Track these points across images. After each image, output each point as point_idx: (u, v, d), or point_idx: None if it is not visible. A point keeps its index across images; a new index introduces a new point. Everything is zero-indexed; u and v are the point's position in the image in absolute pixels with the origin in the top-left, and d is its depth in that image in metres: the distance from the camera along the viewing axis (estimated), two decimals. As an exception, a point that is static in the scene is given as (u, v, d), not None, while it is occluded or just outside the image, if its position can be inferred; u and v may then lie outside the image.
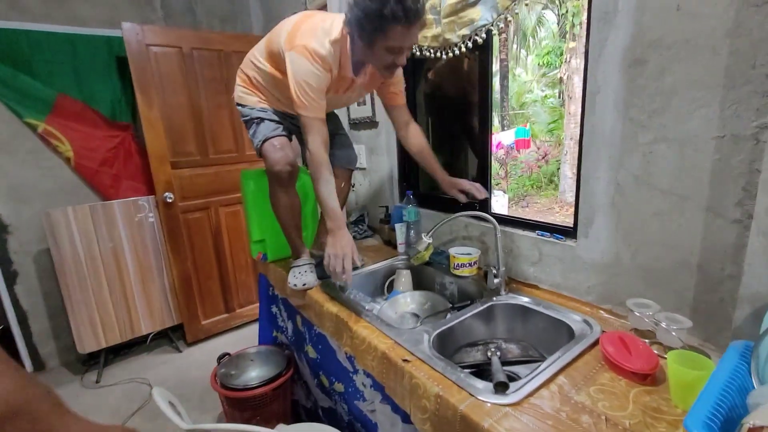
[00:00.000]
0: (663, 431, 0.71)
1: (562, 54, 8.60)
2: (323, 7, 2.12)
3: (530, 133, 7.34)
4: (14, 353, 2.42)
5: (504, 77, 10.22)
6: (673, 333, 0.91)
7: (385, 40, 1.09)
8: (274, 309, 1.88)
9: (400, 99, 1.46)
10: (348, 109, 2.08)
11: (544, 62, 10.11)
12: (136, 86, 2.24)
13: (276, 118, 1.43)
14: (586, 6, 1.07)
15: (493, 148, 6.95)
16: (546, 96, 11.72)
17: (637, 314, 0.99)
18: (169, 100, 2.35)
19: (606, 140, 1.04)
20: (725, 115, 0.84)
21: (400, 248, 1.74)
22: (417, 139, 1.48)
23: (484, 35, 1.24)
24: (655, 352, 0.89)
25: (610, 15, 0.98)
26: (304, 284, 1.42)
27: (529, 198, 7.58)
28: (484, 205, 1.52)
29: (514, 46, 15.91)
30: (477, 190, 1.38)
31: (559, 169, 7.68)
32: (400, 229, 1.73)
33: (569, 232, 1.23)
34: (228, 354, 1.86)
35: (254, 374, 1.76)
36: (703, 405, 0.62)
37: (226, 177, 2.61)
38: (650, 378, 0.84)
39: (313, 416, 1.74)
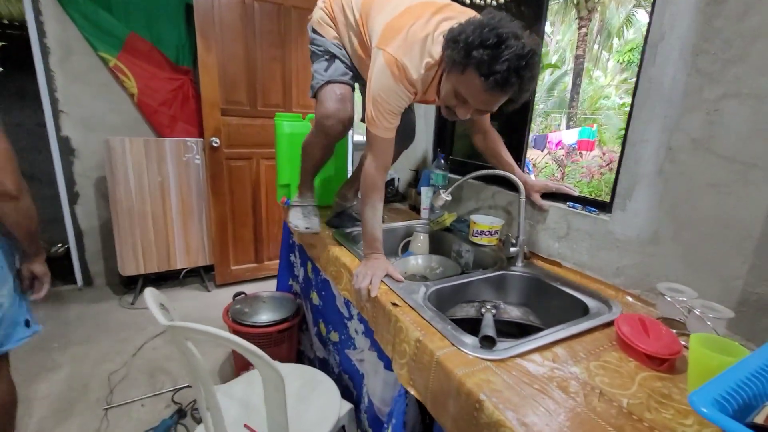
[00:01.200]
0: (668, 417, 0.60)
1: (648, 54, 7.78)
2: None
3: (596, 135, 6.78)
4: (69, 268, 2.68)
5: (577, 75, 9.52)
6: (709, 323, 0.77)
7: (459, 79, 0.90)
8: (292, 257, 1.90)
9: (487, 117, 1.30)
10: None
11: (625, 60, 9.25)
12: (198, 31, 2.33)
13: (349, 63, 1.27)
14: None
15: (552, 146, 6.54)
16: (624, 104, 10.79)
17: (668, 299, 0.85)
18: (227, 48, 2.43)
19: (664, 96, 0.90)
20: (822, 63, 0.67)
21: (424, 213, 1.67)
22: (497, 143, 1.31)
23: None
24: (682, 342, 0.76)
25: (690, -56, 0.83)
26: (307, 227, 1.38)
27: (585, 206, 7.04)
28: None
29: (596, 46, 14.77)
30: (569, 189, 1.22)
31: (624, 179, 7.04)
32: (425, 193, 1.66)
33: (604, 206, 1.09)
34: (244, 293, 1.91)
35: (264, 316, 1.79)
36: (719, 383, 0.50)
37: (271, 130, 2.65)
38: (667, 365, 0.72)
39: (312, 366, 1.75)
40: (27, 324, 1.20)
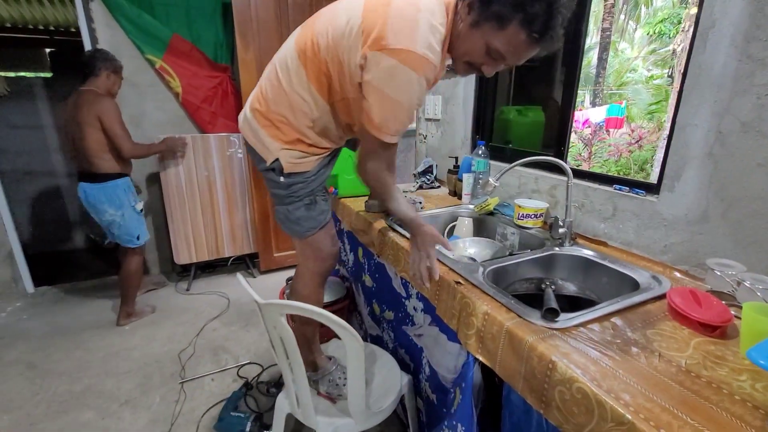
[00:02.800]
0: (723, 374, 0.68)
1: (679, 23, 7.46)
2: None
3: (625, 112, 6.59)
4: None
5: (604, 49, 9.18)
6: (759, 294, 0.83)
7: (497, 35, 0.81)
8: (339, 244, 2.02)
9: None
10: (429, 58, 2.07)
11: (656, 32, 8.85)
12: (237, 29, 2.43)
13: (324, 185, 1.15)
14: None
15: (579, 125, 6.41)
16: (652, 76, 10.35)
17: (718, 273, 0.92)
18: (263, 43, 2.53)
19: (714, 81, 0.94)
20: None
21: (465, 199, 1.75)
22: None
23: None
24: (732, 312, 0.83)
25: (743, -67, 0.86)
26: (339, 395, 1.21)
27: (613, 185, 6.92)
28: (560, 156, 1.46)
29: (622, 16, 14.10)
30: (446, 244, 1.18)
31: (653, 156, 6.87)
32: (467, 180, 1.73)
33: (651, 188, 1.14)
34: (295, 278, 2.05)
35: (316, 298, 1.93)
36: (776, 341, 0.58)
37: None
38: (719, 331, 0.79)
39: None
40: (138, 238, 2.27)
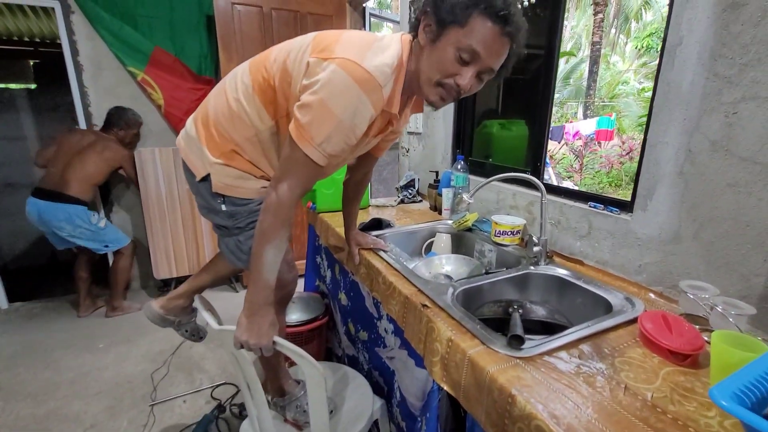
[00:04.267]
0: (691, 410, 0.64)
1: (667, 38, 7.55)
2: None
3: (615, 124, 6.65)
4: (107, 272, 2.83)
5: (594, 62, 9.31)
6: (731, 319, 0.80)
7: (462, 33, 0.76)
8: (318, 259, 1.98)
9: (383, 151, 1.18)
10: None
11: (644, 46, 9.00)
12: (220, 42, 2.42)
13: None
14: (680, -56, 0.93)
15: (570, 137, 6.45)
16: (643, 89, 10.50)
17: (690, 296, 0.88)
18: (247, 55, 2.48)
19: (682, 99, 0.92)
20: (839, 67, 0.69)
21: (445, 214, 1.72)
22: (359, 190, 1.29)
23: (556, -17, 1.14)
24: (705, 338, 0.80)
25: (706, -50, 0.85)
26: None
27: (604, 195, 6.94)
28: (536, 173, 1.44)
29: (613, 30, 14.38)
30: (380, 245, 1.32)
31: (645, 167, 6.89)
32: (446, 194, 1.71)
33: (625, 206, 1.12)
34: (273, 294, 2.00)
35: (294, 316, 1.87)
36: (739, 378, 0.54)
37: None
38: (690, 360, 0.75)
39: (341, 363, 1.83)
40: (105, 246, 2.44)
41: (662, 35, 0.96)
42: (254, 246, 0.86)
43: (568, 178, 7.14)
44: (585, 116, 9.55)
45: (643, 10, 13.32)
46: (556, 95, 11.62)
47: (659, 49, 0.99)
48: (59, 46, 2.47)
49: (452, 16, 0.75)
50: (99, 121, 2.54)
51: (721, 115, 0.86)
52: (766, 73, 0.78)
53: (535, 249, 1.20)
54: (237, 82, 0.95)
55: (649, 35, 9.24)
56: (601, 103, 11.59)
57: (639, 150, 1.07)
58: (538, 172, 1.43)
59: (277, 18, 2.55)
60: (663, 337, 0.78)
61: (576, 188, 1.29)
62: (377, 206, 1.96)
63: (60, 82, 2.67)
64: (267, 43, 2.55)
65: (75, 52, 2.43)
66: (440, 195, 1.75)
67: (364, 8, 2.78)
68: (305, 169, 0.81)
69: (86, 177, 2.33)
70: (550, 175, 4.43)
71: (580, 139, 6.43)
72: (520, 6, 0.77)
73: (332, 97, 0.76)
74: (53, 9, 2.36)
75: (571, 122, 6.76)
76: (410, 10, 1.97)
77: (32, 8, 2.52)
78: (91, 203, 2.40)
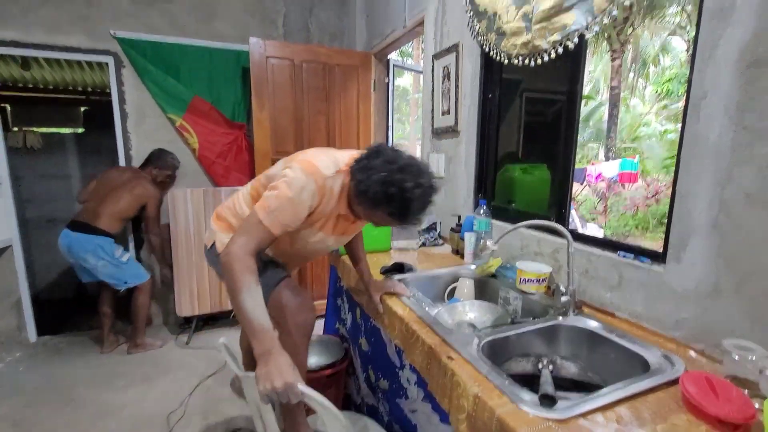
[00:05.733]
0: (748, 489, 0.58)
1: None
2: (419, 25, 2.23)
3: (639, 167, 6.56)
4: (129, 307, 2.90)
5: (614, 106, 9.36)
6: (784, 385, 0.74)
7: (368, 212, 1.05)
8: (339, 301, 1.97)
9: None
10: (432, 117, 2.13)
11: (664, 90, 9.03)
12: (253, 91, 2.59)
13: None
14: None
15: (592, 179, 6.38)
16: (666, 131, 10.41)
17: (736, 357, 0.83)
18: (277, 104, 2.67)
19: (711, 151, 0.91)
20: None
21: (468, 258, 1.71)
22: (359, 246, 1.47)
23: (576, 39, 1.19)
24: (756, 406, 0.73)
25: (726, 10, 0.87)
26: None
27: (632, 239, 6.72)
28: (561, 220, 1.42)
29: (631, 74, 14.55)
30: (402, 290, 1.34)
31: (673, 210, 6.67)
32: (469, 239, 1.70)
33: (657, 256, 1.08)
34: (292, 336, 1.98)
35: (312, 360, 1.84)
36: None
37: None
38: (741, 430, 0.69)
39: (359, 412, 1.76)
40: (125, 282, 2.50)
41: (682, 80, 0.98)
42: (231, 302, 0.97)
43: (592, 220, 6.98)
44: (607, 158, 9.48)
45: (661, 56, 13.49)
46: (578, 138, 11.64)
47: (681, 94, 1.00)
48: (108, 94, 2.70)
49: (364, 202, 1.03)
50: (137, 162, 2.71)
51: (754, 167, 0.84)
52: (799, 128, 0.77)
53: (563, 299, 1.16)
54: (240, 194, 1.32)
55: (669, 80, 9.29)
56: (623, 146, 11.52)
57: (665, 192, 1.05)
58: (563, 219, 1.42)
59: (307, 68, 2.72)
60: (709, 403, 0.73)
61: (603, 236, 1.26)
62: (399, 249, 1.96)
63: (105, 126, 2.88)
64: (296, 91, 2.72)
65: (122, 101, 2.64)
66: (462, 239, 1.74)
67: (388, 59, 2.94)
68: (257, 229, 1.01)
69: (117, 211, 2.42)
70: (574, 218, 4.35)
71: (603, 181, 6.35)
72: (428, 204, 1.03)
73: (290, 181, 1.02)
74: (107, 63, 2.61)
75: (593, 164, 6.71)
76: (432, 63, 2.07)
77: (88, 62, 2.78)
78: (118, 236, 2.49)
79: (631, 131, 12.27)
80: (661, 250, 1.07)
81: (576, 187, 7.02)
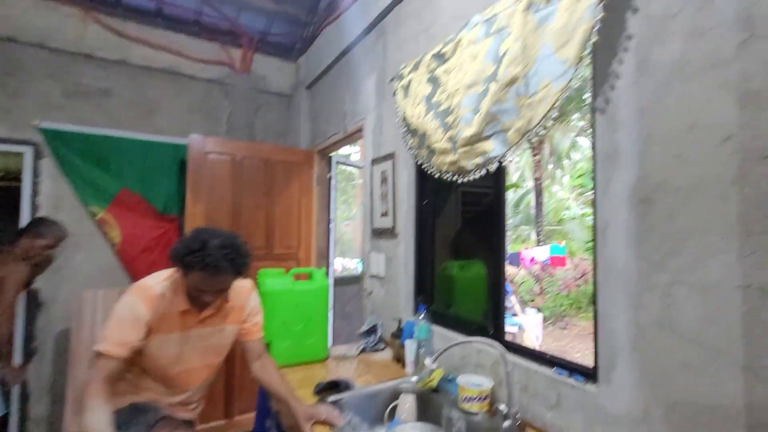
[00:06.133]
0: None
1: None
2: (359, 131, 2.38)
3: (566, 250, 7.16)
4: (6, 437, 2.32)
5: (539, 194, 10.46)
6: None
7: (190, 277, 1.18)
8: (269, 423, 1.72)
9: (256, 333, 1.45)
10: (372, 217, 2.17)
11: (578, 185, 10.33)
12: (188, 185, 2.50)
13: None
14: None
15: (527, 263, 6.78)
16: (584, 214, 11.68)
17: (677, 497, 0.80)
18: (214, 199, 2.59)
19: (621, 276, 0.98)
20: (746, 264, 0.78)
21: (409, 367, 1.62)
22: (270, 372, 1.41)
23: (496, 164, 1.31)
24: None
25: (613, 156, 1.01)
26: None
27: (568, 319, 7.02)
28: (498, 330, 1.42)
29: (550, 165, 16.67)
30: (334, 418, 1.25)
31: (600, 290, 7.20)
32: (409, 347, 1.63)
33: (590, 375, 1.09)
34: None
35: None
36: None
37: (252, 272, 2.69)
38: None
39: None
40: None
41: (590, 175, 1.08)
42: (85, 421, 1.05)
43: (531, 302, 7.27)
44: (538, 240, 10.27)
45: (572, 151, 15.73)
46: (510, 221, 12.63)
47: (591, 188, 1.08)
48: (16, 179, 2.45)
49: (182, 270, 1.19)
50: (43, 259, 2.39)
51: (658, 296, 0.91)
52: (689, 262, 0.86)
53: (505, 424, 1.10)
54: None
55: (581, 176, 10.73)
56: (550, 228, 12.65)
57: (591, 273, 1.09)
58: (499, 330, 1.42)
59: (248, 165, 2.73)
60: None
61: (541, 350, 1.27)
62: (336, 358, 1.82)
63: (14, 214, 2.57)
64: (236, 186, 2.68)
65: (34, 193, 2.41)
66: (403, 346, 1.67)
67: (330, 156, 3.06)
68: (100, 361, 1.12)
69: None
70: (514, 304, 4.48)
71: (537, 264, 6.80)
72: (231, 252, 1.18)
73: (118, 304, 1.19)
74: (23, 153, 2.42)
75: (526, 248, 7.22)
76: (371, 167, 2.17)
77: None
78: None
79: (556, 214, 13.62)
80: (591, 369, 1.08)
81: (514, 270, 7.40)
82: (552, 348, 5.83)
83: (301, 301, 1.73)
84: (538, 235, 10.79)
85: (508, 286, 5.50)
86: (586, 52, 1.00)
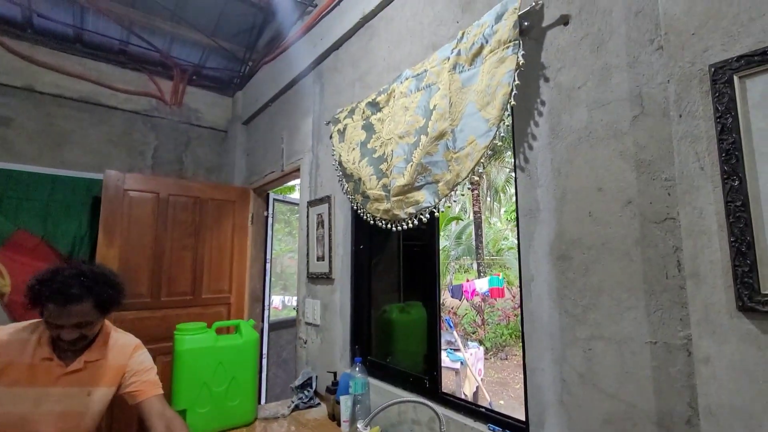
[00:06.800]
0: None
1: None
2: (296, 170, 2.32)
3: (504, 281, 7.49)
4: None
5: (478, 227, 10.96)
6: None
7: (45, 313, 1.11)
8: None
9: (152, 389, 1.29)
10: (308, 261, 2.08)
11: (513, 218, 11.01)
12: (101, 226, 2.25)
13: None
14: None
15: (469, 295, 6.96)
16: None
17: None
18: (132, 240, 2.34)
19: (546, 330, 1.00)
20: (653, 320, 0.82)
21: (344, 426, 1.51)
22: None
23: (428, 215, 1.31)
24: None
25: (534, 212, 1.06)
26: None
27: (508, 349, 7.23)
28: (434, 381, 1.38)
29: (488, 199, 17.71)
30: None
31: (536, 318, 7.56)
32: (344, 403, 1.53)
33: (523, 430, 1.08)
34: None
35: None
36: None
37: (173, 321, 2.40)
38: None
39: None
40: None
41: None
42: None
43: (473, 333, 7.41)
44: (479, 271, 10.65)
45: (507, 185, 16.90)
46: (452, 252, 13.05)
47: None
48: None
49: (39, 307, 1.10)
50: None
51: (580, 350, 0.93)
52: (605, 316, 0.90)
53: (441, 492, 1.04)
54: None
55: (513, 210, 11.53)
56: (491, 258, 13.24)
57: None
58: (436, 382, 1.38)
59: (175, 203, 2.53)
60: None
61: (474, 405, 1.24)
62: (265, 419, 1.66)
63: None
64: (159, 226, 2.46)
65: None
66: (338, 403, 1.56)
67: (267, 193, 2.95)
68: None
69: None
70: (455, 338, 4.51)
71: (478, 295, 7.00)
72: (83, 279, 1.12)
73: None
74: None
75: (468, 281, 7.43)
76: (307, 209, 2.11)
77: None
78: None
79: (495, 245, 14.33)
80: (523, 424, 1.07)
81: (456, 303, 7.54)
82: (494, 380, 5.92)
83: (225, 358, 1.56)
84: (478, 266, 11.21)
85: (450, 321, 5.56)
86: (507, 113, 1.06)
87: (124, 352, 1.29)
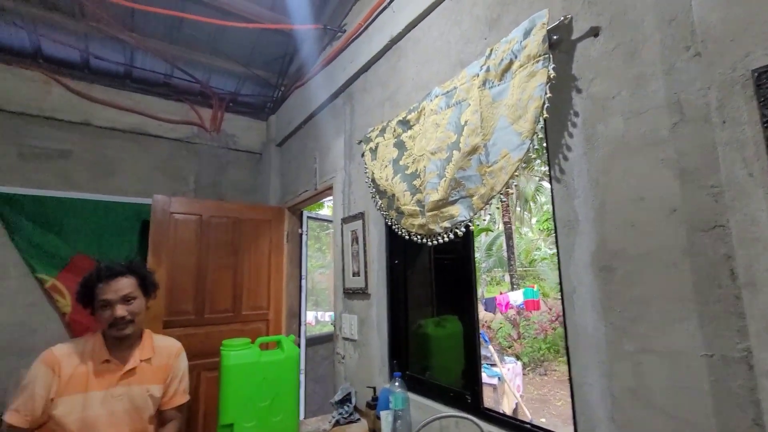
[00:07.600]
0: None
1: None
2: (329, 189, 2.39)
3: (539, 293, 7.24)
4: None
5: (509, 237, 10.72)
6: None
7: (96, 300, 1.24)
8: None
9: (179, 398, 1.40)
10: (344, 277, 2.12)
11: (545, 228, 10.72)
12: (151, 247, 2.40)
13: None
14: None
15: (503, 308, 6.77)
16: (554, 254, 12.02)
17: None
18: (177, 260, 2.47)
19: (591, 342, 0.98)
20: (707, 332, 0.79)
21: (386, 443, 1.51)
22: None
23: (463, 229, 1.32)
24: None
25: (573, 223, 1.05)
26: None
27: (547, 364, 6.94)
28: (476, 396, 1.37)
29: (518, 208, 17.32)
30: None
31: (575, 331, 7.24)
32: (385, 418, 1.53)
33: (571, 448, 1.05)
34: None
35: None
36: None
37: (216, 338, 2.51)
38: None
39: None
40: None
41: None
42: None
43: (509, 348, 7.19)
44: (512, 283, 10.37)
45: (537, 194, 16.50)
46: (483, 264, 12.79)
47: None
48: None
49: (89, 297, 1.25)
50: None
51: (629, 363, 0.91)
52: (653, 328, 0.87)
53: None
54: None
55: (547, 220, 11.18)
56: (524, 269, 12.87)
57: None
58: (477, 396, 1.36)
59: (215, 224, 2.66)
60: None
61: (519, 421, 1.22)
62: (308, 434, 1.69)
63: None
64: (201, 246, 2.59)
65: (-23, 264, 2.23)
66: (379, 418, 1.57)
67: (301, 211, 3.04)
68: (9, 430, 1.12)
69: None
70: (492, 352, 4.40)
71: (512, 308, 6.81)
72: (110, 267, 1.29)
73: (26, 374, 1.18)
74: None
75: (501, 293, 7.26)
76: (342, 226, 2.16)
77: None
78: None
79: (527, 255, 13.94)
80: (572, 441, 1.04)
81: (490, 316, 7.36)
82: (533, 396, 5.69)
83: (269, 374, 1.61)
84: (511, 278, 10.92)
85: (485, 335, 5.43)
86: (539, 126, 1.07)
87: (170, 353, 1.40)
